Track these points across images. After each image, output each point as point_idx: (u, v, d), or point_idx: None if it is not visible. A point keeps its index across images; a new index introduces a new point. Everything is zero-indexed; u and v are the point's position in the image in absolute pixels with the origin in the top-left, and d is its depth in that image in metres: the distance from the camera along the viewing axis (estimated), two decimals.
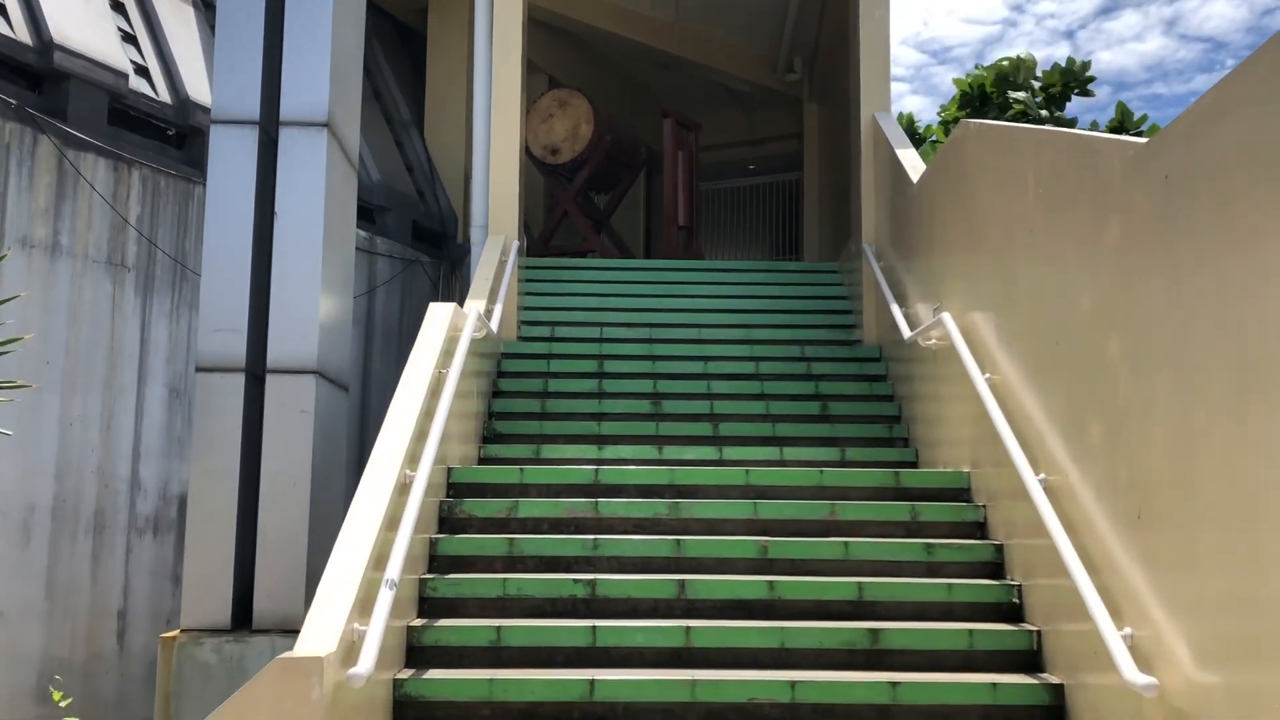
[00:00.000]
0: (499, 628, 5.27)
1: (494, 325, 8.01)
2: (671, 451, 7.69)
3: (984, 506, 6.34)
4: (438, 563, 5.94)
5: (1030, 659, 5.29)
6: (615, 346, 9.66)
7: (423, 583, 5.60)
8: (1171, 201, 3.86)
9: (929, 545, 6.01)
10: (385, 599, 4.23)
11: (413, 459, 5.26)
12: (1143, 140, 4.21)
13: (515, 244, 9.76)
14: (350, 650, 4.07)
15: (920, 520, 6.33)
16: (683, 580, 5.63)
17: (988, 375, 6.12)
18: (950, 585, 5.67)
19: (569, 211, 12.27)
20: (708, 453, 7.70)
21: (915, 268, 8.37)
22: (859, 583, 5.66)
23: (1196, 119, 3.70)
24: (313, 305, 6.12)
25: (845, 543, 6.00)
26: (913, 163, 8.79)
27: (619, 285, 10.94)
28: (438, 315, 6.59)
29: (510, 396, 8.91)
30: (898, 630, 5.33)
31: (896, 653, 5.31)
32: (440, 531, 6.23)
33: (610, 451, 7.66)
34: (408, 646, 5.23)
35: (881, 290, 9.35)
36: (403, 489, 5.03)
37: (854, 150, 10.54)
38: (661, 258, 12.18)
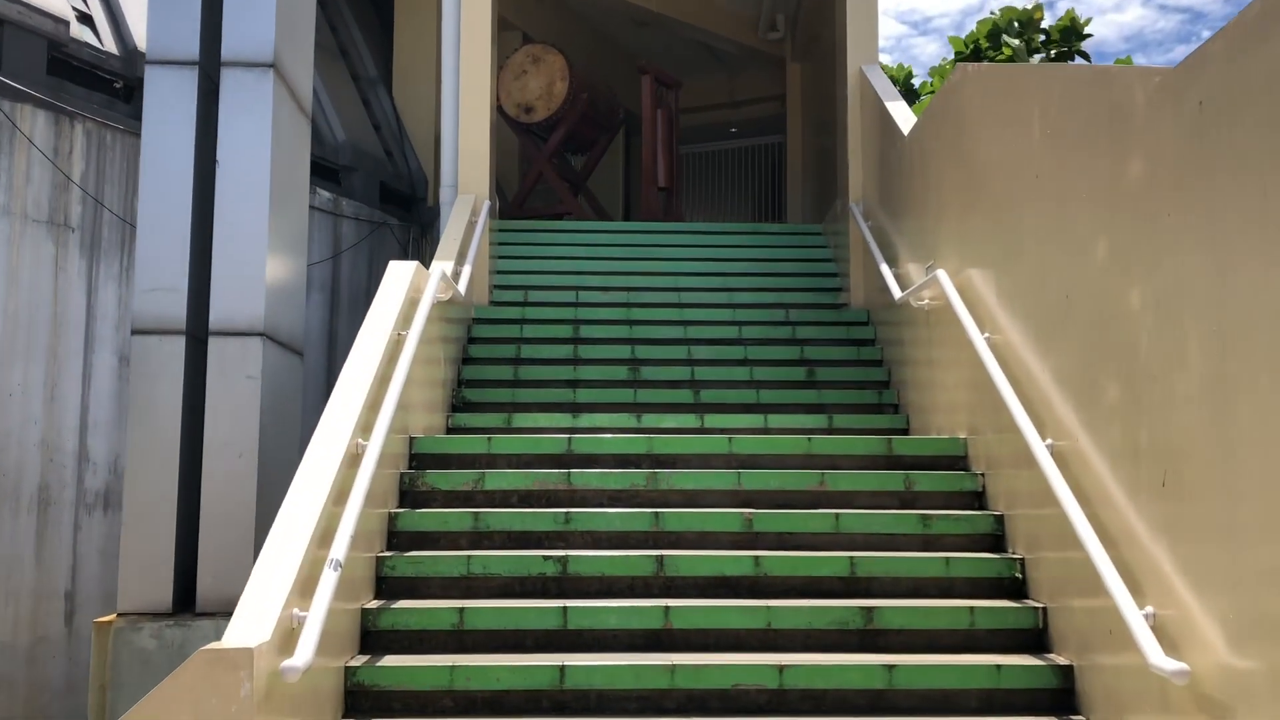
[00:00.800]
0: (462, 609, 4.85)
1: (462, 287, 7.55)
2: (651, 420, 7.27)
3: (982, 475, 5.95)
4: (397, 539, 5.51)
5: (1035, 638, 4.91)
6: (592, 311, 9.22)
7: (380, 561, 5.17)
8: (1208, 131, 3.44)
9: (925, 517, 5.61)
10: (329, 581, 3.80)
11: (366, 428, 4.82)
12: (1169, 67, 3.78)
13: (486, 204, 9.28)
14: (289, 638, 3.65)
15: (915, 490, 5.94)
16: (661, 556, 5.23)
17: (987, 335, 5.71)
18: (948, 559, 5.28)
19: (544, 173, 11.78)
20: (689, 421, 7.29)
21: (906, 226, 7.95)
22: (851, 557, 5.26)
23: (1240, 35, 3.27)
24: (259, 261, 5.65)
25: (836, 515, 5.60)
26: (903, 115, 8.34)
27: (596, 248, 10.49)
28: (397, 274, 6.13)
29: (481, 363, 8.48)
30: (893, 608, 4.94)
31: (892, 633, 4.92)
32: (401, 506, 5.80)
33: (586, 420, 7.24)
34: (362, 631, 4.81)
35: (870, 250, 8.92)
36: (354, 460, 4.59)
37: (839, 105, 10.08)
38: (641, 220, 11.72)
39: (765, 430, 7.41)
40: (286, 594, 3.67)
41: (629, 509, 5.70)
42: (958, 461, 6.28)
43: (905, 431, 7.58)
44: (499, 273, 9.97)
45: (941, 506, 5.90)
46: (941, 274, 6.43)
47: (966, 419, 6.23)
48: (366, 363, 5.17)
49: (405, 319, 5.77)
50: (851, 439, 6.36)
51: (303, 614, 3.69)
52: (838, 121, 10.21)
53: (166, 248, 5.53)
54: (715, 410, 7.83)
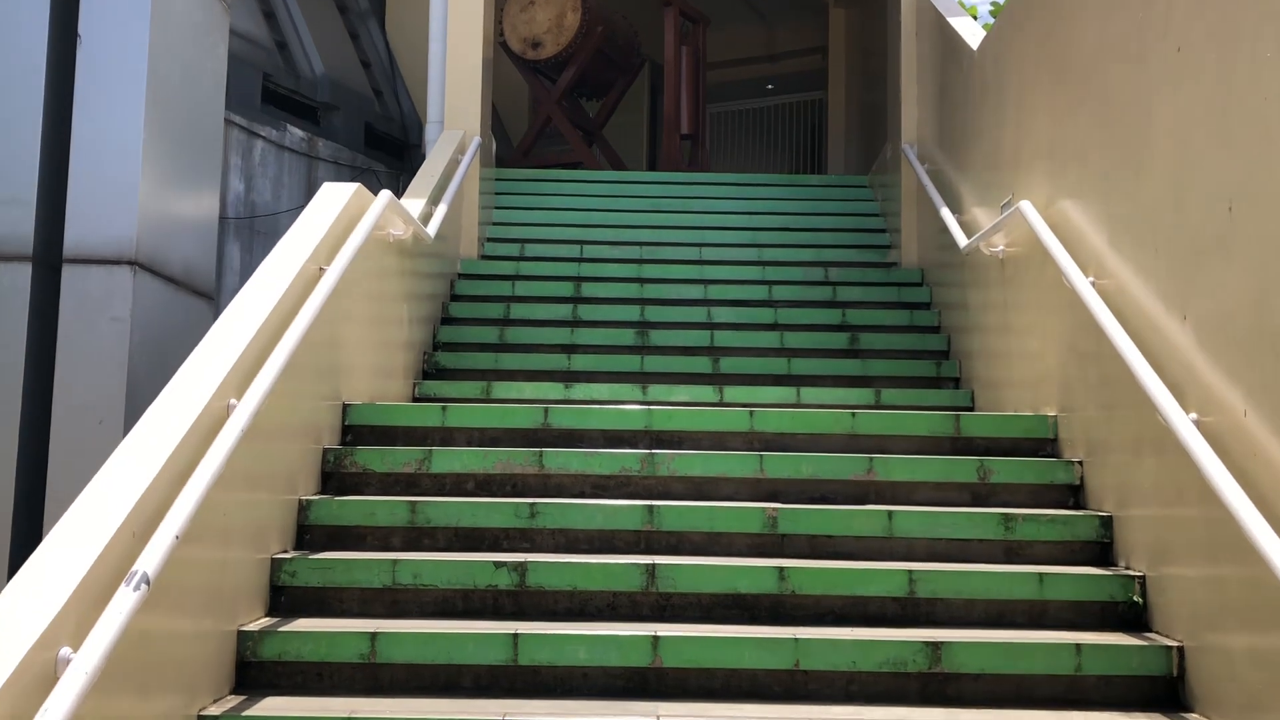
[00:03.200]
0: (376, 635, 3.54)
1: (432, 230, 6.23)
2: (659, 392, 5.95)
3: (1079, 463, 4.56)
4: (309, 536, 4.21)
5: (1167, 690, 3.53)
6: (597, 268, 7.89)
7: (276, 565, 3.86)
8: None
9: (1006, 518, 4.23)
10: (123, 605, 2.49)
11: (244, 384, 3.51)
12: None
13: (476, 141, 7.96)
14: (41, 689, 2.34)
15: (991, 482, 4.56)
16: (653, 565, 3.89)
17: (1092, 279, 4.32)
18: (1041, 576, 3.90)
19: (552, 117, 10.44)
20: (705, 394, 5.97)
21: (972, 162, 6.54)
22: (909, 571, 3.90)
23: None
24: (130, 168, 4.36)
25: (888, 513, 4.23)
26: (970, 29, 6.92)
27: (607, 199, 9.15)
28: (329, 196, 4.82)
29: (462, 324, 7.18)
30: (967, 644, 3.57)
31: (966, 679, 3.56)
32: (321, 491, 4.50)
33: (581, 391, 5.94)
34: (239, 661, 3.51)
35: (926, 198, 7.53)
36: (215, 429, 3.27)
37: (891, 37, 8.65)
38: (662, 171, 10.37)
39: (798, 405, 6.06)
40: (47, 623, 2.37)
41: (615, 500, 4.36)
42: (1045, 445, 4.88)
43: (970, 409, 6.19)
44: (494, 224, 8.66)
45: (1027, 504, 4.52)
46: (1026, 206, 5.03)
47: (1057, 392, 4.83)
48: (258, 301, 3.86)
49: (330, 252, 4.46)
50: (907, 416, 4.98)
51: (69, 655, 2.39)
52: (889, 58, 8.78)
53: (8, 147, 4.25)
54: (738, 382, 6.48)
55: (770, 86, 16.14)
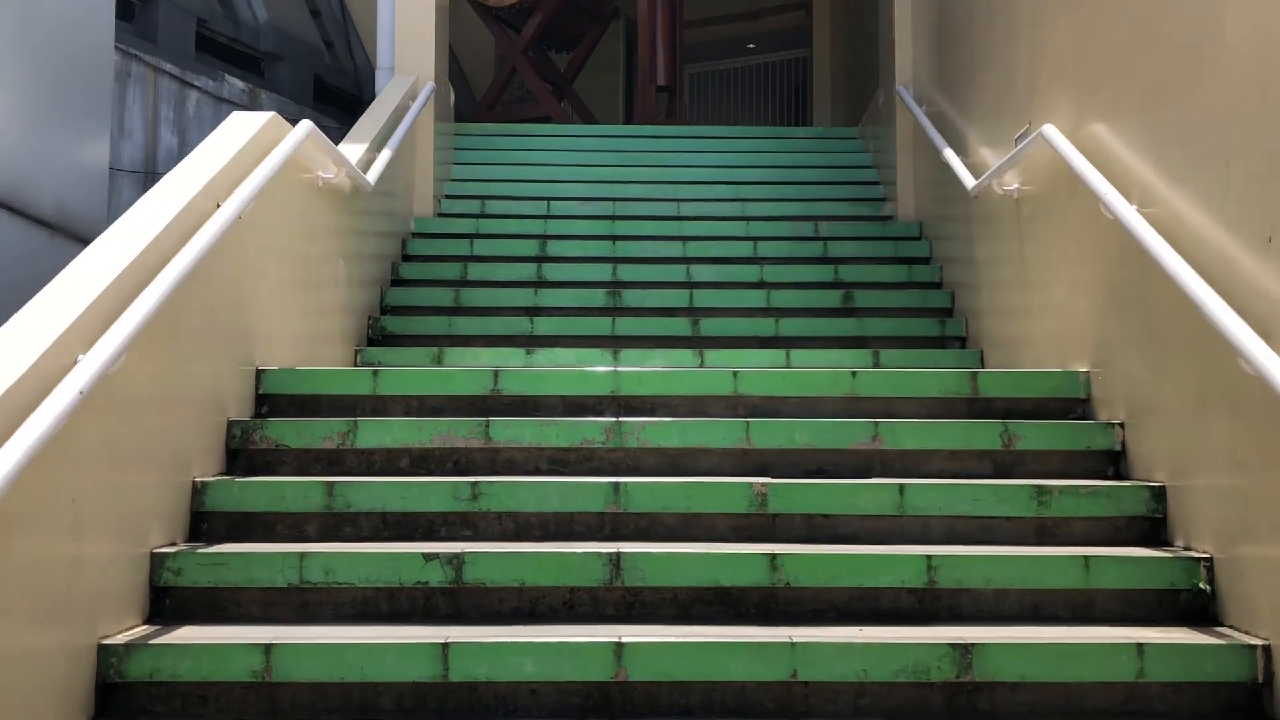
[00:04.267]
0: (272, 646, 2.84)
1: (372, 176, 5.50)
2: (633, 357, 5.28)
3: (1119, 425, 3.88)
4: (207, 525, 3.50)
5: (1250, 699, 2.87)
6: (565, 225, 7.18)
7: (156, 562, 3.16)
8: None
9: (1039, 491, 3.55)
10: None
11: (93, 335, 2.79)
12: None
13: (430, 88, 7.22)
14: None
15: (1017, 449, 3.88)
16: (618, 554, 3.20)
17: (1136, 208, 3.64)
18: (1087, 560, 3.23)
19: (518, 69, 9.69)
20: (684, 358, 5.30)
21: (979, 95, 5.85)
22: (927, 556, 3.22)
23: None
24: None
25: (899, 486, 3.55)
26: None
27: (577, 154, 8.43)
28: (235, 126, 4.09)
29: (414, 286, 6.47)
30: (1002, 646, 2.90)
31: (1003, 689, 2.89)
32: (227, 471, 3.79)
33: (544, 357, 5.26)
34: (99, 683, 2.81)
35: (924, 144, 6.85)
36: (47, 388, 2.55)
37: None
38: (637, 125, 9.65)
39: (787, 369, 5.38)
40: None
41: (575, 478, 3.67)
42: (1075, 406, 4.21)
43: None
44: (453, 180, 7.93)
45: (1059, 474, 3.85)
46: (1049, 130, 4.34)
47: (1090, 346, 4.16)
48: (129, 238, 3.15)
49: (230, 188, 3.73)
50: (916, 374, 4.29)
51: None
52: None
53: None
54: (720, 345, 5.82)
55: (751, 45, 15.40)
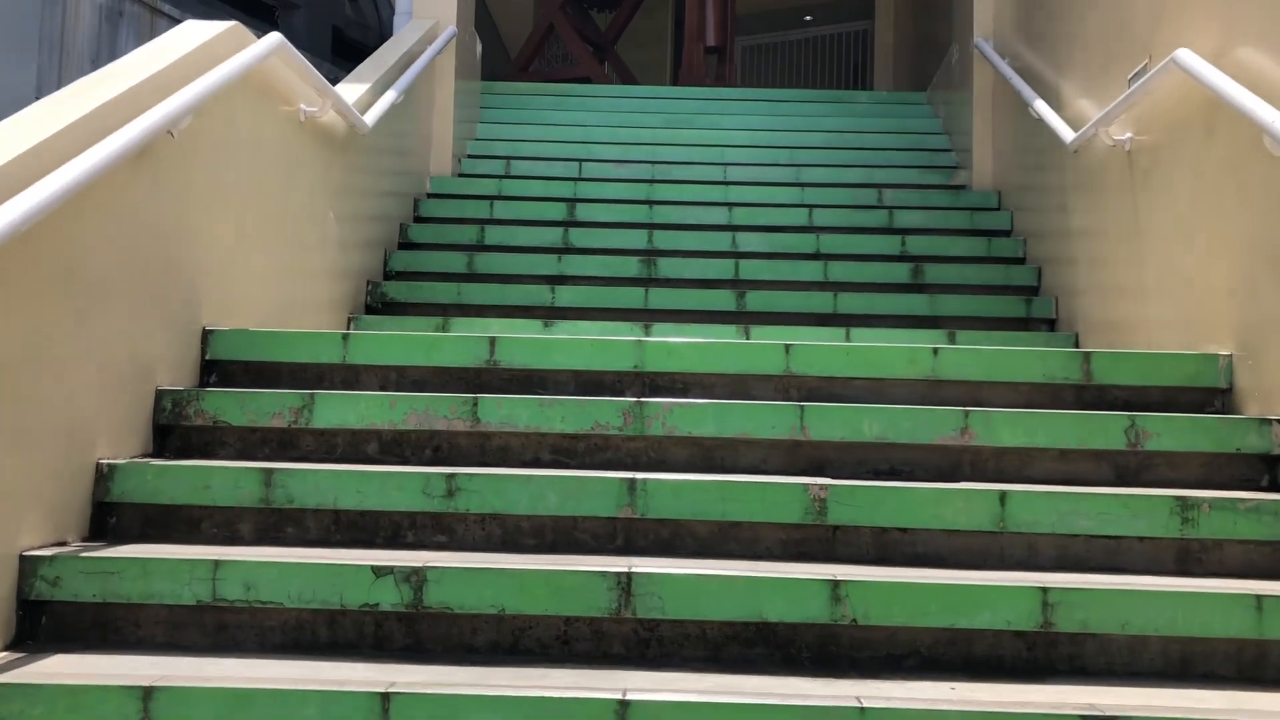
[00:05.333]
0: (153, 691, 2.10)
1: (370, 118, 4.76)
2: (666, 333, 4.51)
3: (1277, 422, 3.04)
4: (116, 519, 2.77)
5: None
6: (597, 188, 6.41)
7: (27, 567, 2.42)
8: None
9: (1181, 504, 2.72)
10: None
11: None
12: None
13: (450, 32, 6.48)
14: None
15: (1145, 448, 3.05)
16: (629, 574, 2.42)
17: None
18: (1259, 601, 2.40)
19: (555, 26, 8.92)
20: (725, 335, 4.53)
21: (1076, 40, 5.00)
22: (1041, 589, 2.40)
23: None
24: None
25: (999, 495, 2.73)
26: None
27: (615, 115, 7.65)
28: (185, 33, 3.36)
29: (424, 249, 5.75)
30: None
31: None
32: (151, 452, 3.06)
33: (565, 331, 4.52)
34: None
35: (1005, 104, 6.03)
36: None
37: None
38: (683, 86, 8.85)
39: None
40: None
41: (580, 471, 2.89)
42: (1214, 398, 3.36)
43: None
44: (477, 140, 7.20)
45: (1199, 483, 3.02)
46: (1185, 55, 3.49)
47: (1233, 323, 3.31)
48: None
49: (162, 93, 2.99)
50: (1014, 354, 3.45)
51: None
52: None
53: None
54: (769, 321, 5.04)
55: (809, 18, 14.52)
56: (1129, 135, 4.20)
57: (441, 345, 3.39)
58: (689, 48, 8.72)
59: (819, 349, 3.40)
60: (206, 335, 3.38)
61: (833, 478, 2.92)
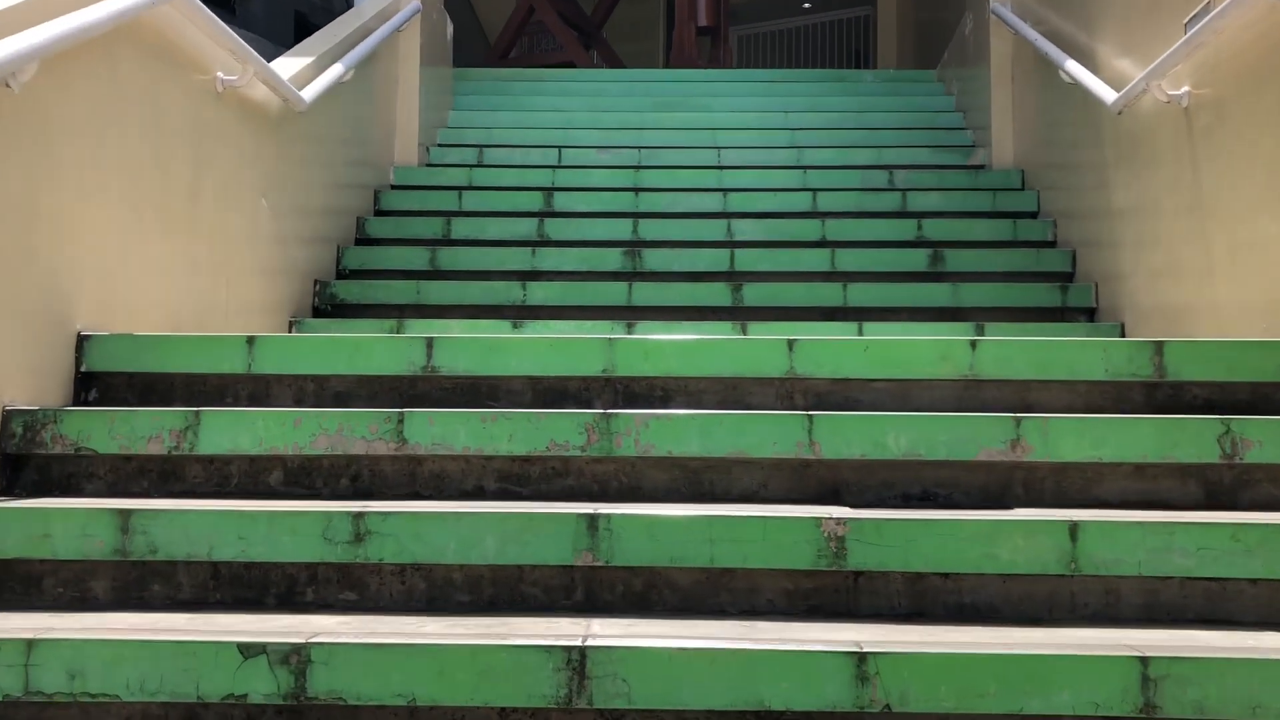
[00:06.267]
0: None
1: (308, 94, 4.15)
2: (650, 332, 3.94)
3: None
4: None
5: None
6: (577, 176, 5.81)
7: None
8: None
9: None
10: None
11: None
12: None
13: (414, 7, 5.88)
14: None
15: (1244, 461, 2.41)
16: (584, 648, 1.80)
17: None
18: None
19: (536, 9, 8.31)
20: (718, 332, 3.94)
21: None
22: (1138, 660, 1.78)
23: None
24: None
25: (1068, 526, 2.11)
26: None
27: (599, 99, 7.06)
28: None
29: (383, 245, 5.15)
30: None
31: None
32: (3, 489, 2.45)
33: (534, 332, 3.94)
34: None
35: (1029, 75, 5.43)
36: None
37: None
38: (674, 68, 8.23)
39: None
40: None
41: (530, 505, 2.27)
42: None
43: None
44: (448, 128, 6.59)
45: None
46: None
47: None
48: None
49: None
50: (1068, 346, 2.81)
51: None
52: None
53: None
54: (769, 316, 4.44)
55: (807, 5, 13.93)
56: (1186, 89, 3.58)
57: (369, 349, 2.77)
58: (680, 29, 8.12)
59: (829, 344, 2.78)
60: (82, 342, 2.76)
61: (852, 506, 2.30)
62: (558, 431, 2.42)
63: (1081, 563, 2.09)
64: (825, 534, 2.09)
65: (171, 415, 2.45)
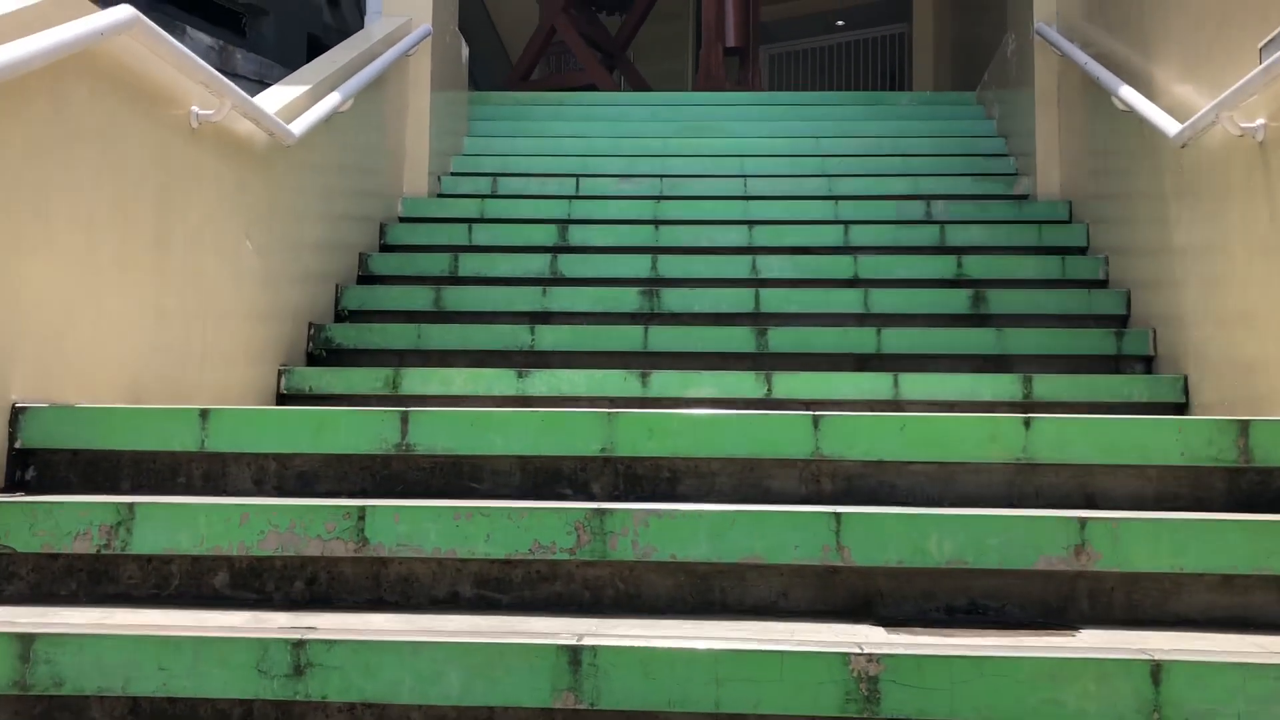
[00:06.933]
0: None
1: (298, 128, 3.85)
2: (667, 384, 3.65)
3: None
4: None
5: None
6: (594, 207, 5.49)
7: None
8: None
9: None
10: None
11: None
12: None
13: (424, 30, 5.59)
14: None
15: None
16: None
17: None
18: None
19: (558, 29, 8.02)
20: (743, 384, 3.65)
21: (1172, 13, 4.02)
22: None
23: None
24: None
25: (1149, 666, 1.74)
26: None
27: (622, 124, 6.74)
28: None
29: (386, 283, 4.85)
30: None
31: None
32: None
33: (542, 382, 3.65)
34: None
35: (1075, 98, 5.08)
36: None
37: None
38: (700, 91, 7.90)
39: (895, 405, 3.67)
40: None
41: (508, 621, 1.93)
42: None
43: (1184, 407, 3.73)
44: (463, 155, 6.31)
45: None
46: None
47: None
48: None
49: None
50: (1134, 424, 2.44)
51: None
52: None
53: None
54: (796, 365, 4.09)
55: (840, 23, 13.58)
56: (1261, 122, 3.21)
57: (335, 426, 2.44)
58: (707, 50, 7.79)
59: (861, 423, 2.42)
60: (16, 415, 2.46)
61: (886, 625, 1.94)
62: (543, 531, 2.09)
63: (1166, 712, 1.72)
64: (855, 672, 1.74)
65: (102, 508, 2.13)
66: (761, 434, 2.42)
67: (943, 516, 2.08)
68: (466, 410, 2.48)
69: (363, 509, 2.11)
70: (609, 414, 2.42)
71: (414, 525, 2.10)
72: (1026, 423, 2.38)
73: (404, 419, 2.43)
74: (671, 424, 2.43)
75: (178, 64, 3.01)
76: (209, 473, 2.47)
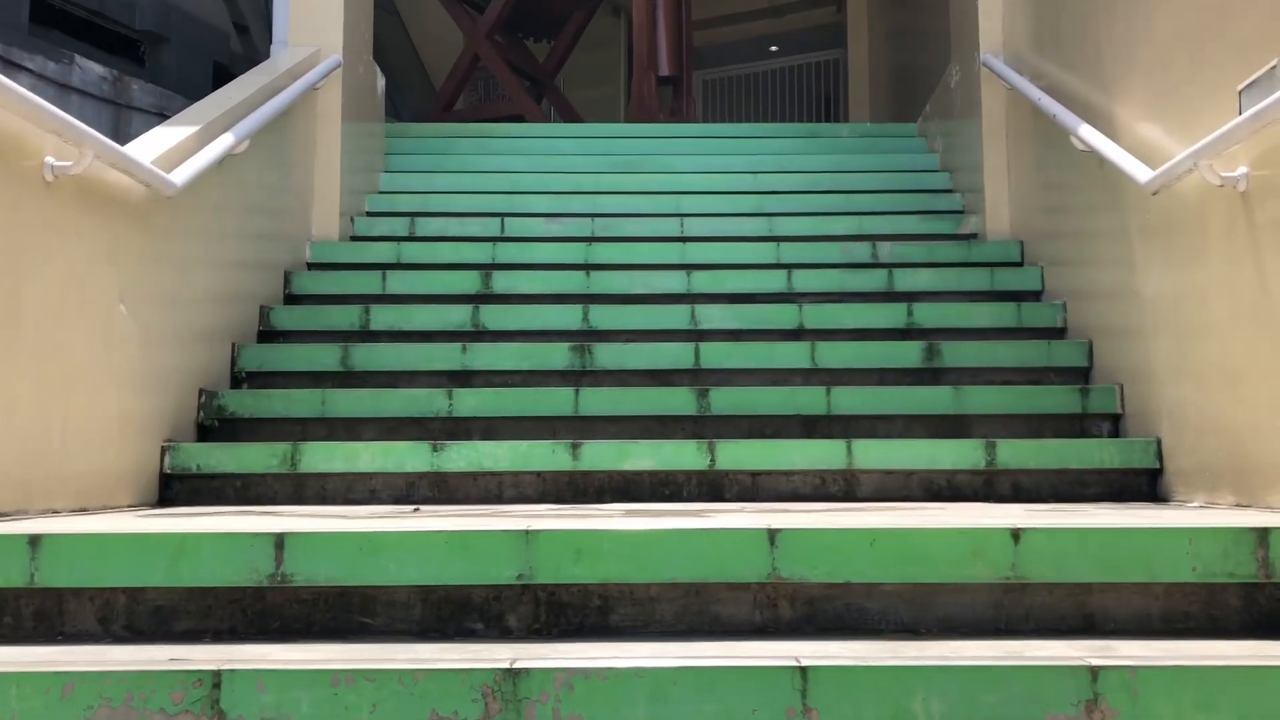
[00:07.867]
0: None
1: (179, 177, 3.42)
2: (600, 455, 3.28)
3: None
4: None
5: None
6: (522, 250, 5.11)
7: None
8: None
9: None
10: None
11: None
12: None
13: (333, 61, 5.18)
14: None
15: None
16: None
17: None
18: None
19: (482, 57, 7.63)
20: (684, 455, 3.39)
21: (1135, 47, 3.76)
22: None
23: None
24: None
25: None
26: None
27: (550, 159, 6.36)
28: None
29: (289, 340, 4.43)
30: None
31: None
32: None
33: (460, 454, 3.30)
34: None
35: (1028, 127, 4.81)
36: None
37: None
38: (632, 122, 7.57)
39: (849, 478, 3.35)
40: None
41: None
42: None
43: (1158, 471, 3.46)
44: (379, 194, 5.89)
45: None
46: None
47: None
48: None
49: None
50: (1138, 534, 2.10)
51: None
52: None
53: None
54: (739, 431, 3.75)
55: (774, 48, 13.37)
56: (1243, 170, 2.93)
57: (196, 551, 2.02)
58: (639, 79, 7.45)
59: (825, 538, 2.06)
60: None
61: None
62: (443, 699, 1.69)
63: None
64: None
65: None
66: (709, 551, 2.05)
67: (929, 669, 1.72)
68: (354, 532, 2.07)
69: (218, 675, 1.70)
70: (526, 534, 2.03)
71: (283, 694, 1.70)
72: (1015, 536, 2.04)
73: (278, 544, 2.02)
74: (600, 543, 2.05)
75: (19, 110, 2.58)
76: (42, 611, 2.04)
